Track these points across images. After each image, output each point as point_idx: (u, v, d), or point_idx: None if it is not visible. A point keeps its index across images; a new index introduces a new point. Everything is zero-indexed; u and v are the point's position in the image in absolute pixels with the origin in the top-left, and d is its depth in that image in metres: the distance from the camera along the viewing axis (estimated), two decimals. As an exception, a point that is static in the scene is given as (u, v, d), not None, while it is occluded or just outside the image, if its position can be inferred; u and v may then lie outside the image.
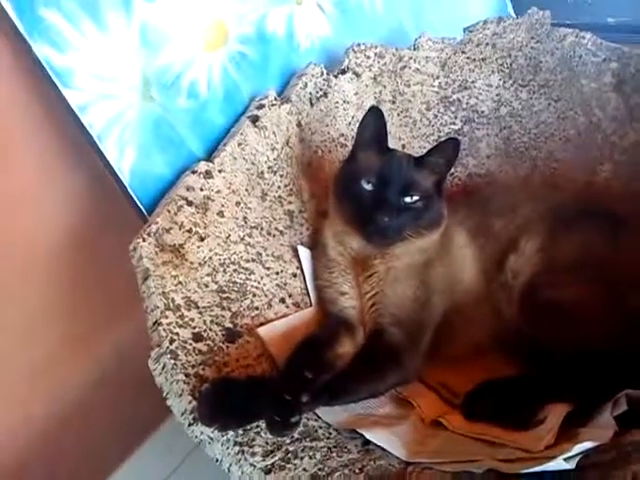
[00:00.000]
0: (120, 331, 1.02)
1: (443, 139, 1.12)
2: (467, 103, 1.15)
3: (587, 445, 0.62)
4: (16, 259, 0.85)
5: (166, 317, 0.74)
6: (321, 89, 1.04)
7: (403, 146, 1.12)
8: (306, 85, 1.02)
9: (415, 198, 0.86)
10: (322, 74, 1.04)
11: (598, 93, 1.09)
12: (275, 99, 0.98)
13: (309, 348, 0.80)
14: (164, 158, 0.89)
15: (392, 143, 1.01)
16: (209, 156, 0.93)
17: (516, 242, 0.92)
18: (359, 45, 1.08)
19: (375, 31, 1.18)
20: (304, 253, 0.93)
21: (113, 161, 0.83)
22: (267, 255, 0.89)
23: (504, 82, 1.14)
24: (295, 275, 0.91)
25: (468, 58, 1.14)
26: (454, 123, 1.15)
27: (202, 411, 0.69)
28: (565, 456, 0.61)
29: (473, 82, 1.14)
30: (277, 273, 0.89)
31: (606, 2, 1.49)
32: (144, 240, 0.78)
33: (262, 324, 0.83)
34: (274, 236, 0.92)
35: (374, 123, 0.90)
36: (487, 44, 1.13)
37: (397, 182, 0.86)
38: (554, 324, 0.84)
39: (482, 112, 1.15)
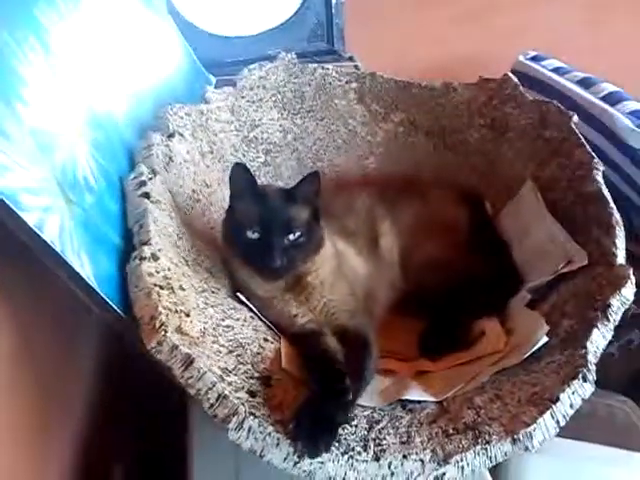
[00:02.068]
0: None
1: (255, 172, 1.30)
2: (262, 138, 1.34)
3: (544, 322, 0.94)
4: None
5: (224, 388, 0.77)
6: (167, 155, 1.09)
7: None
8: (158, 155, 1.06)
9: (297, 234, 0.97)
10: (163, 141, 1.10)
11: (348, 107, 1.41)
12: (148, 173, 1.01)
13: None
14: (103, 256, 0.86)
15: (222, 187, 1.15)
16: (126, 243, 0.92)
17: (374, 229, 1.18)
18: (172, 108, 1.17)
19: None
20: (243, 297, 1.01)
21: (80, 271, 0.78)
22: (229, 310, 0.95)
23: (282, 114, 1.37)
24: (253, 318, 0.98)
25: (248, 101, 1.33)
26: (259, 157, 1.34)
27: (306, 446, 0.76)
28: (544, 332, 0.91)
29: (260, 120, 1.34)
30: (245, 320, 0.95)
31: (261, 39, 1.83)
32: (166, 332, 0.77)
33: (272, 363, 0.90)
34: (217, 293, 0.97)
35: (239, 177, 1.00)
36: (258, 87, 1.34)
37: (278, 225, 0.96)
38: (431, 274, 1.13)
39: (275, 142, 1.36)
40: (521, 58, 1.78)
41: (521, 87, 1.28)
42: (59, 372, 0.95)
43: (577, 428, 0.91)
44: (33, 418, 0.86)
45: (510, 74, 1.31)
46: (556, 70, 1.73)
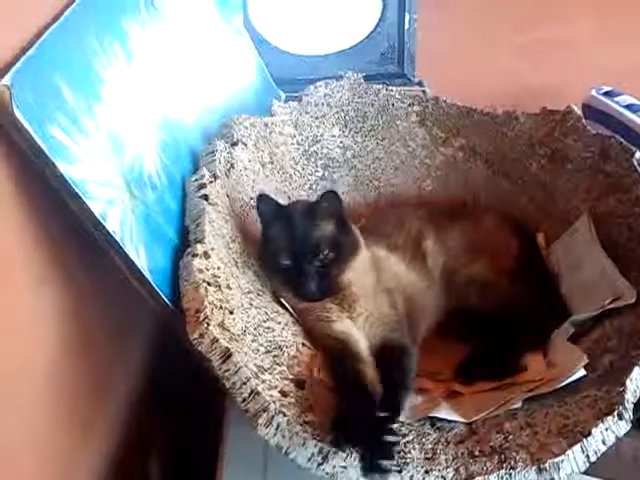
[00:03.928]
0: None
1: (312, 186, 1.35)
2: (322, 153, 1.38)
3: (584, 355, 0.93)
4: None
5: (258, 384, 0.81)
6: (229, 161, 1.15)
7: (288, 197, 1.29)
8: (220, 161, 1.12)
9: (325, 252, 1.01)
10: (226, 148, 1.15)
11: (409, 129, 1.43)
12: (209, 177, 1.06)
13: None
14: (159, 251, 0.91)
15: (279, 197, 1.18)
16: (181, 240, 0.98)
17: (421, 247, 1.19)
18: (238, 118, 1.23)
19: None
20: (285, 302, 1.04)
21: (136, 262, 0.83)
22: (271, 312, 0.98)
23: (343, 132, 1.40)
24: (294, 323, 1.02)
25: (312, 117, 1.38)
26: (317, 171, 1.38)
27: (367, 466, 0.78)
28: (582, 364, 0.90)
29: (321, 135, 1.38)
30: (286, 324, 0.99)
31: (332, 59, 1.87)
32: (208, 325, 0.82)
33: (307, 368, 0.93)
34: (262, 296, 1.01)
35: (265, 207, 1.06)
36: (322, 104, 1.39)
37: (307, 251, 1.01)
38: (474, 293, 1.13)
39: (334, 158, 1.39)
40: (594, 92, 1.76)
41: (584, 120, 1.27)
42: (108, 359, 1.02)
43: (600, 466, 0.89)
44: (80, 401, 0.92)
45: (573, 106, 1.31)
46: (629, 107, 1.70)
